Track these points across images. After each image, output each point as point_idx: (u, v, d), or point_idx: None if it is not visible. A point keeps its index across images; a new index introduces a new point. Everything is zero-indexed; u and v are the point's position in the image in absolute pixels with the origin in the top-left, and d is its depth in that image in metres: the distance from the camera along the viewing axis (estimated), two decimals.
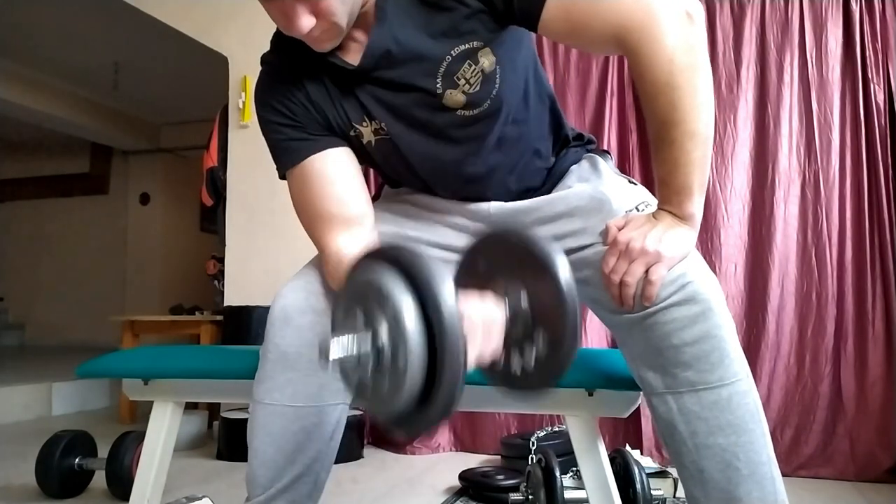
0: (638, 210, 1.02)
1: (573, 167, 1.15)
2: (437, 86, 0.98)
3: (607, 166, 1.15)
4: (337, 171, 1.04)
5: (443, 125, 1.02)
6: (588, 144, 1.20)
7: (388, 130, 1.03)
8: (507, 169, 1.09)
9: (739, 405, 0.92)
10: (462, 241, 1.11)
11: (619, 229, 0.95)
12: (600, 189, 1.06)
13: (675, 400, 0.94)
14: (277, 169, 1.08)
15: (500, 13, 0.95)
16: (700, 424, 0.92)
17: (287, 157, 1.05)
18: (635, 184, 1.12)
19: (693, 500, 0.97)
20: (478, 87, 0.99)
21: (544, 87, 1.13)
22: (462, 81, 0.98)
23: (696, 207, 0.93)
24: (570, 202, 1.07)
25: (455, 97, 0.99)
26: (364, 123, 1.04)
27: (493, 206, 1.11)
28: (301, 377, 1.02)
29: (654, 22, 0.89)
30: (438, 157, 1.06)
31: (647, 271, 0.91)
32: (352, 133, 1.05)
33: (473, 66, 0.98)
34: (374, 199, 1.22)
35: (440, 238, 1.12)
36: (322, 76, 1.02)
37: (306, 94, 1.03)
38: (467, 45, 0.97)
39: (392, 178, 1.20)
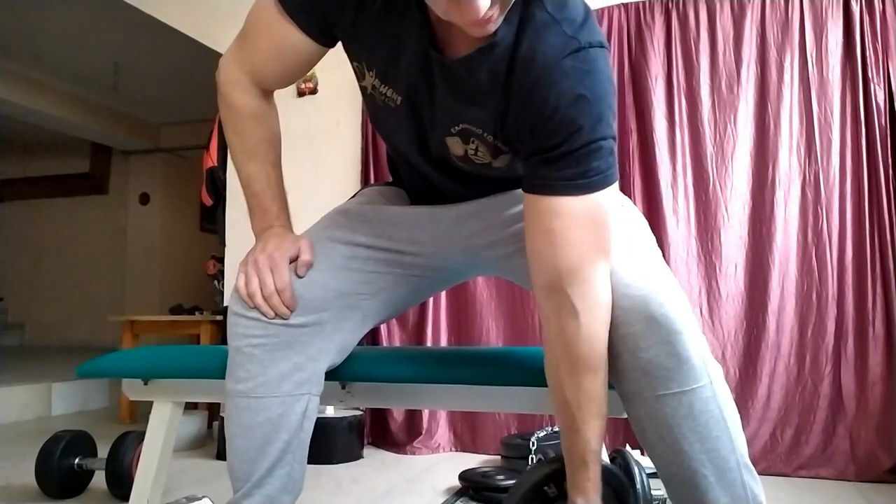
0: None
1: None
2: (455, 132, 0.97)
3: None
4: (299, 56, 1.03)
5: (445, 162, 1.02)
6: None
7: (395, 105, 0.99)
8: (488, 186, 1.09)
9: (702, 412, 0.92)
10: (415, 248, 1.13)
11: None
12: None
13: (643, 406, 0.94)
14: None
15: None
16: (665, 431, 0.93)
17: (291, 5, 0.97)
18: None
19: (672, 499, 1.00)
20: (485, 160, 0.99)
21: None
22: (472, 152, 0.98)
23: None
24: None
25: (455, 149, 0.99)
26: (374, 79, 0.99)
27: (454, 213, 1.10)
28: (260, 368, 1.03)
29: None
30: (429, 176, 1.06)
31: None
32: (354, 64, 1.02)
33: (483, 147, 0.98)
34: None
35: (391, 245, 1.12)
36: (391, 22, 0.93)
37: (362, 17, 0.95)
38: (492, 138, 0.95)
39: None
